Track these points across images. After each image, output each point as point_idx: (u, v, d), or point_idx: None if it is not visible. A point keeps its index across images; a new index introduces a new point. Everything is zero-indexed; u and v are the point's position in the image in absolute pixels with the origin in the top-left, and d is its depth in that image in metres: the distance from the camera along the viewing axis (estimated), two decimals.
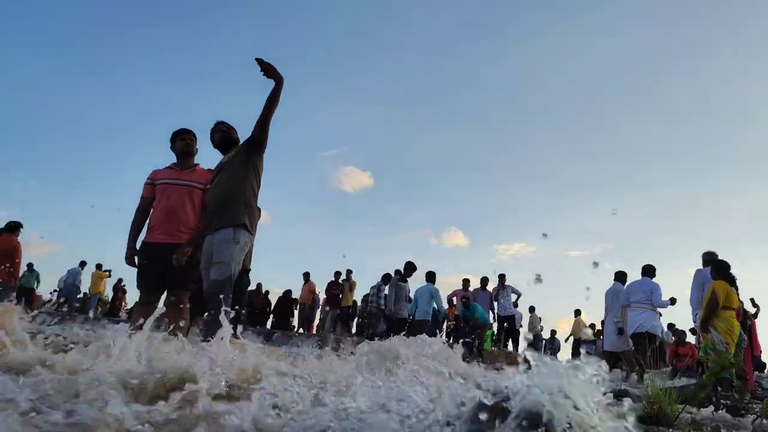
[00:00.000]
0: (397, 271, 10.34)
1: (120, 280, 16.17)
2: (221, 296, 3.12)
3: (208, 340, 1.94)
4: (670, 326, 12.33)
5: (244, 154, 3.68)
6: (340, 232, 29.15)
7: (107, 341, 1.73)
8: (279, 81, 3.57)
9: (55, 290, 15.22)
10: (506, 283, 11.78)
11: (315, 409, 1.21)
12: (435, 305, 9.85)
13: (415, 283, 10.12)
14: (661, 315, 7.70)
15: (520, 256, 27.37)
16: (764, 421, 2.61)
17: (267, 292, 14.76)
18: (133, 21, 32.29)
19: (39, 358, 1.70)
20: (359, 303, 13.35)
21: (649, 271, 7.76)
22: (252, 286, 13.15)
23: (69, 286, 14.71)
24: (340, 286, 13.55)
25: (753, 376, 6.67)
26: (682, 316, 17.01)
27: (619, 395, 3.77)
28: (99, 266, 15.46)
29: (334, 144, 35.55)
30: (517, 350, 12.55)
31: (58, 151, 31.99)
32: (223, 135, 3.96)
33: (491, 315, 11.38)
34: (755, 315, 7.91)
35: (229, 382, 1.57)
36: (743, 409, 3.10)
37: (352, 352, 2.59)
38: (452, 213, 31.72)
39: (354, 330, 13.61)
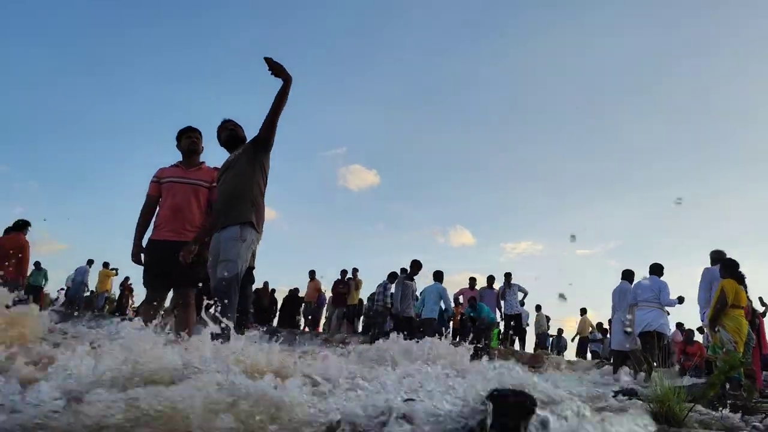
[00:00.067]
0: (404, 270, 10.33)
1: (127, 278, 16.27)
2: (228, 294, 3.12)
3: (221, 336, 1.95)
4: (679, 325, 12.26)
5: (251, 152, 3.67)
6: (346, 231, 29.18)
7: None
8: (287, 80, 3.57)
9: (62, 288, 15.36)
10: (512, 281, 11.76)
11: None
12: (443, 304, 9.84)
13: (422, 281, 10.13)
14: (668, 314, 7.66)
15: (527, 254, 27.33)
16: None
17: (274, 291, 14.81)
18: (133, 21, 32.35)
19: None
20: (365, 301, 13.34)
21: (657, 269, 7.72)
22: (259, 284, 13.20)
23: (78, 284, 14.85)
24: (346, 284, 13.55)
25: (762, 375, 6.61)
26: (689, 315, 16.90)
27: (627, 394, 3.75)
28: (106, 264, 15.59)
29: (334, 144, 35.59)
30: (523, 349, 12.53)
31: (58, 151, 32.20)
32: (230, 133, 3.95)
33: (498, 313, 11.36)
34: (764, 314, 7.85)
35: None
36: (752, 408, 3.07)
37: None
38: (455, 212, 31.72)
39: (360, 329, 13.61)
